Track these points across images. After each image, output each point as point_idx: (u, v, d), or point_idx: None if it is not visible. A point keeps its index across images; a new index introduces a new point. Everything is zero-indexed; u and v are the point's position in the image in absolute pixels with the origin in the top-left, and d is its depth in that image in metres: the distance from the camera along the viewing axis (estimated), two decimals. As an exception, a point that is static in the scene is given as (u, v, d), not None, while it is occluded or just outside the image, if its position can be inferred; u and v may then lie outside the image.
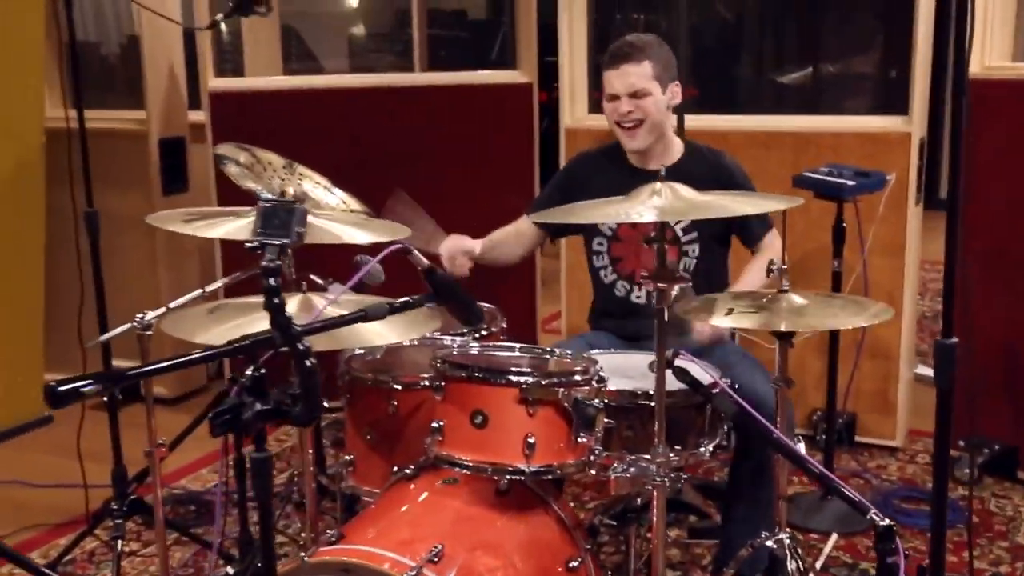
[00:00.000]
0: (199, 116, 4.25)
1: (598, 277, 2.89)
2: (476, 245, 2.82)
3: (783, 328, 2.13)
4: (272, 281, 1.48)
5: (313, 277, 2.73)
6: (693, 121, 3.66)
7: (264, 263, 1.48)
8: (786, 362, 2.22)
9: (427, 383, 2.45)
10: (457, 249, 2.79)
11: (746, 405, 2.03)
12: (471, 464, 2.13)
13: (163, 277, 4.35)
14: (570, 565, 2.23)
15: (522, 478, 2.16)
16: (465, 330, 2.59)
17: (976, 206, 3.42)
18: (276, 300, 1.49)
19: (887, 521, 1.92)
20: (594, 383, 2.13)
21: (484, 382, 2.11)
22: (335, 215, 2.37)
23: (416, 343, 2.68)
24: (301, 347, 1.51)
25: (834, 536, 3.13)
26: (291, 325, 1.50)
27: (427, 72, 4.75)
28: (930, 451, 3.72)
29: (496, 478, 2.23)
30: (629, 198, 2.04)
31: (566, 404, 2.09)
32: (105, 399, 4.11)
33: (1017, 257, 3.42)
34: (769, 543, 2.29)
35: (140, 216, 4.16)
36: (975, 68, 3.49)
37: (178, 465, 3.73)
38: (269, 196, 1.50)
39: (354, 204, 3.06)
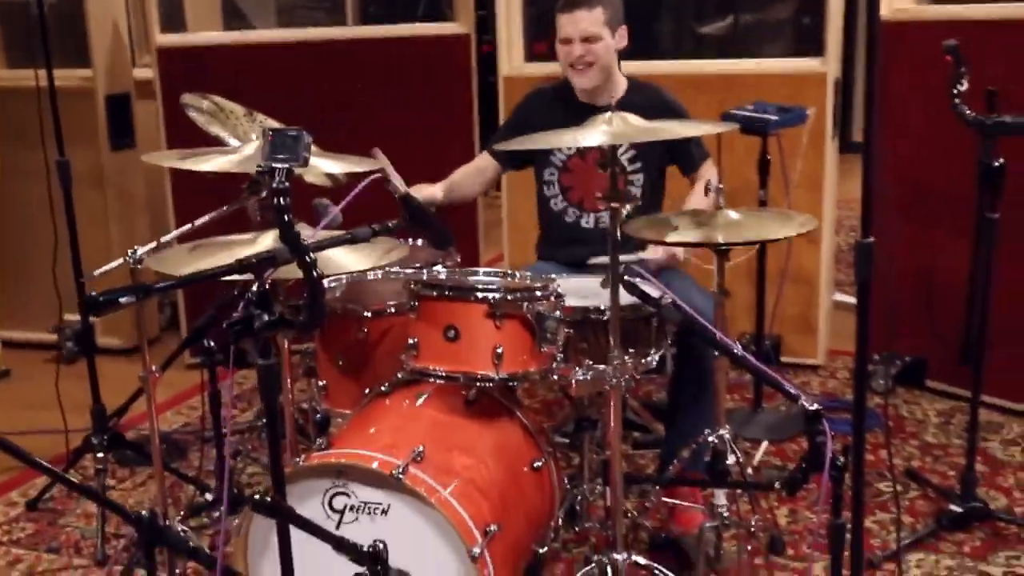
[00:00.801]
0: (142, 72, 4.36)
1: (548, 206, 3.11)
2: (438, 190, 3.02)
3: (721, 240, 2.37)
4: (283, 201, 1.66)
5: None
6: (626, 67, 3.87)
7: (275, 184, 1.67)
8: (723, 275, 2.47)
9: (394, 310, 2.66)
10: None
11: (691, 311, 2.26)
12: (445, 374, 2.35)
13: (114, 232, 4.46)
14: (535, 465, 2.48)
15: (490, 385, 2.38)
16: (419, 265, 2.81)
17: (889, 141, 3.73)
18: (287, 218, 1.68)
19: (816, 406, 2.19)
20: (553, 298, 2.35)
21: (456, 299, 2.33)
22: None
23: (379, 276, 2.90)
24: (309, 259, 1.71)
25: (765, 443, 3.42)
26: (300, 240, 1.70)
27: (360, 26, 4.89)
28: (848, 367, 4.05)
29: (465, 390, 2.46)
30: (583, 127, 2.25)
31: (530, 317, 2.31)
32: (64, 352, 4.30)
33: (927, 185, 3.72)
34: (712, 439, 2.56)
35: (89, 172, 4.33)
36: (885, 11, 3.77)
37: (143, 408, 3.88)
38: (275, 128, 1.67)
39: (314, 149, 3.23)
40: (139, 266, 2.34)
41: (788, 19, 6.01)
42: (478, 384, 2.37)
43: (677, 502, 2.77)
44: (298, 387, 3.91)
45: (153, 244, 2.35)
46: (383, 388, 2.55)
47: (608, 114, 2.23)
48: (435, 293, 2.34)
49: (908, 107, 3.72)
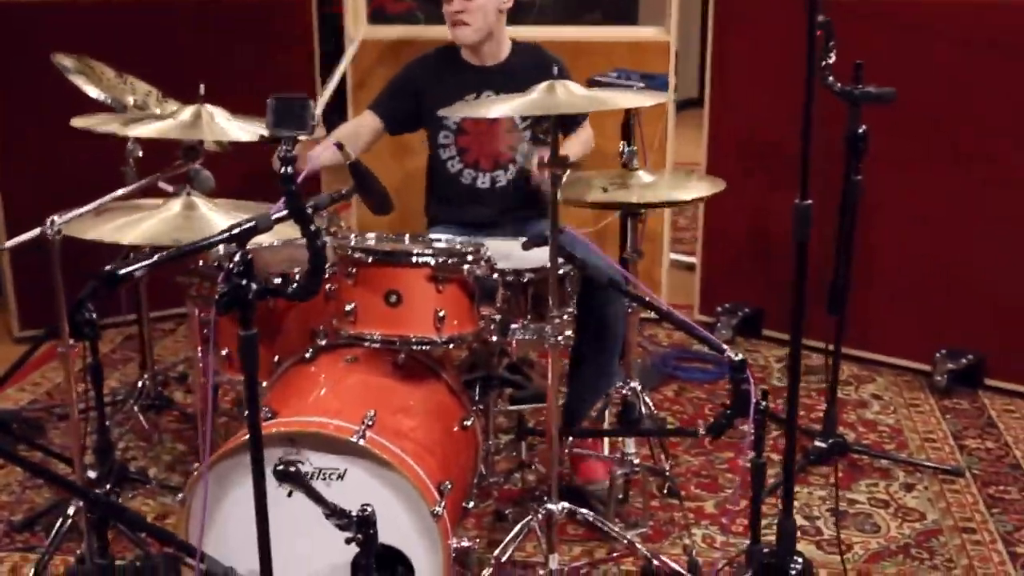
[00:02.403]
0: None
1: (444, 168, 3.15)
2: (349, 151, 2.99)
3: (645, 200, 2.51)
4: (289, 170, 1.65)
5: (162, 185, 2.84)
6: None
7: (281, 153, 1.65)
8: (637, 236, 2.62)
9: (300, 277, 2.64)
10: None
11: (621, 270, 2.39)
12: (382, 338, 2.37)
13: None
14: (464, 424, 2.55)
15: (428, 348, 2.42)
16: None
17: (729, 102, 3.99)
18: (293, 187, 1.66)
19: (740, 356, 2.38)
20: (488, 262, 2.42)
21: (398, 264, 2.35)
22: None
23: (277, 244, 2.86)
24: (313, 227, 1.71)
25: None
26: (305, 209, 1.69)
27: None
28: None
29: (394, 354, 2.49)
30: (527, 94, 2.32)
31: (470, 280, 2.37)
32: None
33: (763, 143, 4.00)
34: (625, 391, 2.71)
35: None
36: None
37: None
38: (279, 94, 1.65)
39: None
40: (58, 236, 2.23)
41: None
42: (421, 347, 2.40)
43: (584, 452, 2.91)
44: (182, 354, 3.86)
45: (74, 212, 2.23)
46: (306, 355, 2.54)
47: (551, 82, 2.30)
48: (375, 259, 2.35)
49: (747, 70, 3.98)
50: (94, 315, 2.83)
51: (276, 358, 2.64)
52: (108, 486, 2.88)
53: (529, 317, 2.50)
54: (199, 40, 4.13)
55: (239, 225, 1.81)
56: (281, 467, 1.70)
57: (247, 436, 2.18)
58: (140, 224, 2.38)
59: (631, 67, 3.91)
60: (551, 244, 2.32)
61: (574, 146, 3.14)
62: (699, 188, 2.68)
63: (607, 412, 2.86)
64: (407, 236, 2.55)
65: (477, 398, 2.73)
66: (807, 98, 2.07)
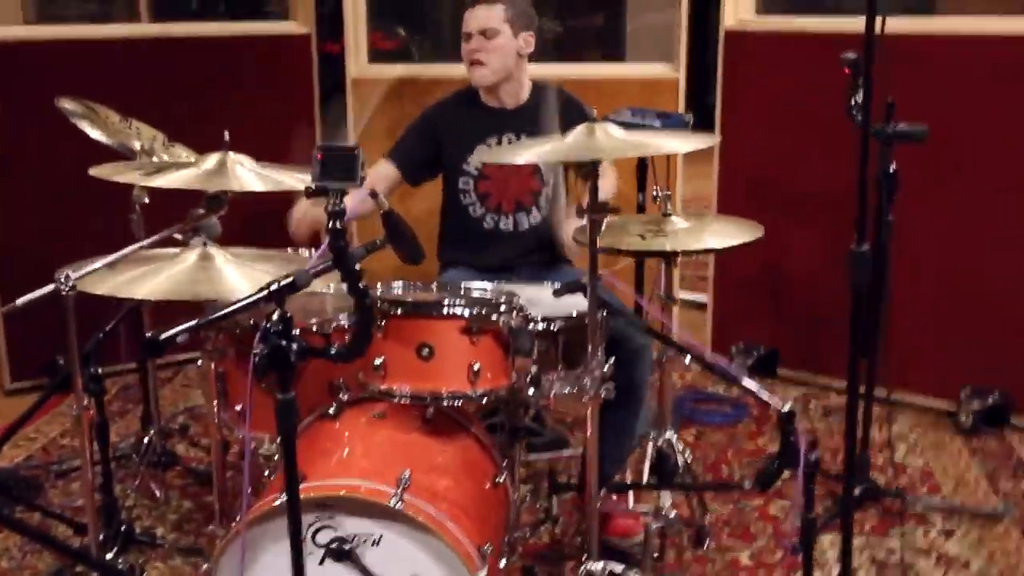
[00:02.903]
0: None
1: (465, 213, 3.06)
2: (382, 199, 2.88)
3: (689, 248, 2.42)
4: (339, 224, 1.54)
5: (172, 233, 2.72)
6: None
7: (330, 208, 1.55)
8: (671, 281, 2.53)
9: (317, 329, 2.52)
10: (311, 212, 2.83)
11: (662, 318, 2.29)
12: (413, 393, 2.25)
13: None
14: (496, 481, 2.43)
15: (459, 403, 2.31)
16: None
17: (739, 140, 3.92)
18: (342, 243, 1.56)
19: (788, 407, 2.28)
20: (521, 312, 2.31)
21: (430, 316, 2.24)
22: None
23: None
24: (362, 286, 1.60)
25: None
26: (355, 266, 1.58)
27: (155, 23, 4.56)
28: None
29: (422, 408, 2.38)
30: (564, 138, 2.23)
31: (505, 331, 2.26)
32: None
33: (774, 180, 3.93)
34: (660, 441, 2.60)
35: None
36: (730, 22, 3.96)
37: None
38: (324, 143, 1.54)
39: (193, 157, 3.03)
40: (72, 292, 2.11)
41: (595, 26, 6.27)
42: (454, 403, 2.29)
43: (616, 506, 2.79)
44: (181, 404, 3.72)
45: (88, 268, 2.11)
46: (330, 411, 2.42)
47: (588, 124, 2.22)
48: (406, 310, 2.25)
49: (759, 108, 3.92)
50: (99, 370, 2.75)
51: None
52: (115, 549, 2.76)
53: (560, 368, 2.40)
54: (199, 79, 4.03)
55: (277, 282, 1.70)
56: (335, 545, 1.58)
57: (276, 501, 2.08)
58: (155, 276, 2.25)
59: (639, 105, 3.84)
60: (590, 292, 2.22)
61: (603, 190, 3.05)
62: (739, 233, 2.59)
63: (645, 464, 2.74)
64: (434, 285, 2.45)
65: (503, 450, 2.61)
66: (863, 141, 1.98)
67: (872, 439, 3.50)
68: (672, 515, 2.63)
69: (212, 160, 2.13)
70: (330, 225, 1.56)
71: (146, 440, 3.09)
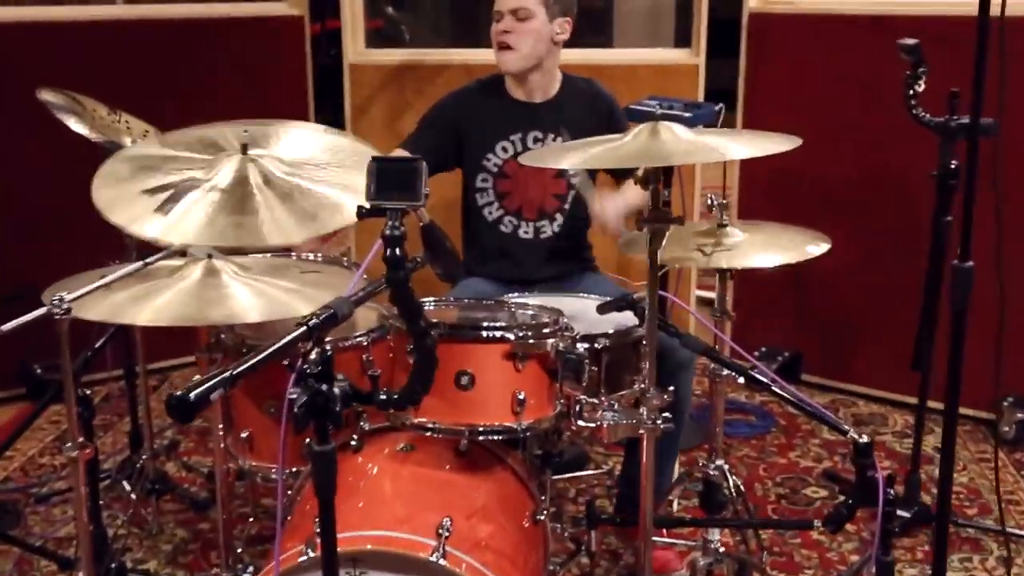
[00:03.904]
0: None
1: (481, 215, 2.80)
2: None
3: (749, 265, 2.19)
4: (398, 252, 1.29)
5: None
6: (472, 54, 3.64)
7: (387, 231, 1.29)
8: (726, 295, 2.29)
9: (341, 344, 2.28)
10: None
11: (726, 338, 2.06)
12: (456, 429, 2.01)
13: None
14: (537, 519, 2.19)
15: (501, 437, 2.07)
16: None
17: (763, 122, 3.67)
18: (402, 273, 1.30)
19: (865, 438, 2.05)
20: (567, 332, 2.07)
21: (469, 340, 1.98)
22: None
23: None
24: (423, 323, 1.35)
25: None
26: (415, 300, 1.33)
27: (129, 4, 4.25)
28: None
29: (455, 440, 2.13)
30: (623, 138, 1.98)
31: (553, 355, 2.01)
32: None
33: (797, 179, 3.70)
34: (710, 470, 2.37)
35: None
36: (754, 3, 3.72)
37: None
38: (377, 154, 1.29)
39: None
40: (67, 316, 1.84)
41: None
42: (495, 437, 2.04)
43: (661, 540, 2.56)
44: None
45: (85, 289, 1.84)
46: (351, 443, 2.16)
47: (650, 124, 1.96)
48: (442, 334, 1.98)
49: (782, 103, 3.69)
50: (88, 392, 2.48)
51: (307, 440, 2.26)
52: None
53: (603, 391, 2.16)
54: (181, 65, 3.75)
55: (315, 316, 1.44)
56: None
57: (301, 557, 1.83)
58: (157, 297, 1.98)
59: (655, 92, 3.59)
60: (650, 311, 1.97)
61: (634, 192, 2.80)
62: (805, 245, 2.35)
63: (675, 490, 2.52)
64: (467, 301, 2.19)
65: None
66: (971, 144, 1.74)
67: (908, 451, 3.32)
68: (721, 549, 2.39)
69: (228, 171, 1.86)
70: (388, 253, 1.30)
71: (138, 464, 2.81)
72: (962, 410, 3.50)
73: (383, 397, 1.43)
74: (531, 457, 2.43)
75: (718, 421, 2.41)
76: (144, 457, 2.82)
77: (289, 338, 1.39)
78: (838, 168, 3.63)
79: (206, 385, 1.18)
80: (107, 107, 2.62)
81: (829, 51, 3.61)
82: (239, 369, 1.27)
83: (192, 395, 1.15)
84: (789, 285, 3.84)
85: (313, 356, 1.43)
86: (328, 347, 1.44)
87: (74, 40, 3.62)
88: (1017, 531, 2.88)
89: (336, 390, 1.42)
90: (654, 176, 1.94)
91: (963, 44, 3.21)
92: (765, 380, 2.12)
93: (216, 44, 3.81)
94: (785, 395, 2.09)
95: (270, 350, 1.34)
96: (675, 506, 2.76)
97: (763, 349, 3.86)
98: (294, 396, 1.42)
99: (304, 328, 1.41)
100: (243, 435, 2.37)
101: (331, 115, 4.08)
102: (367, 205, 1.32)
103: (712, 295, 4.36)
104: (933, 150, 2.64)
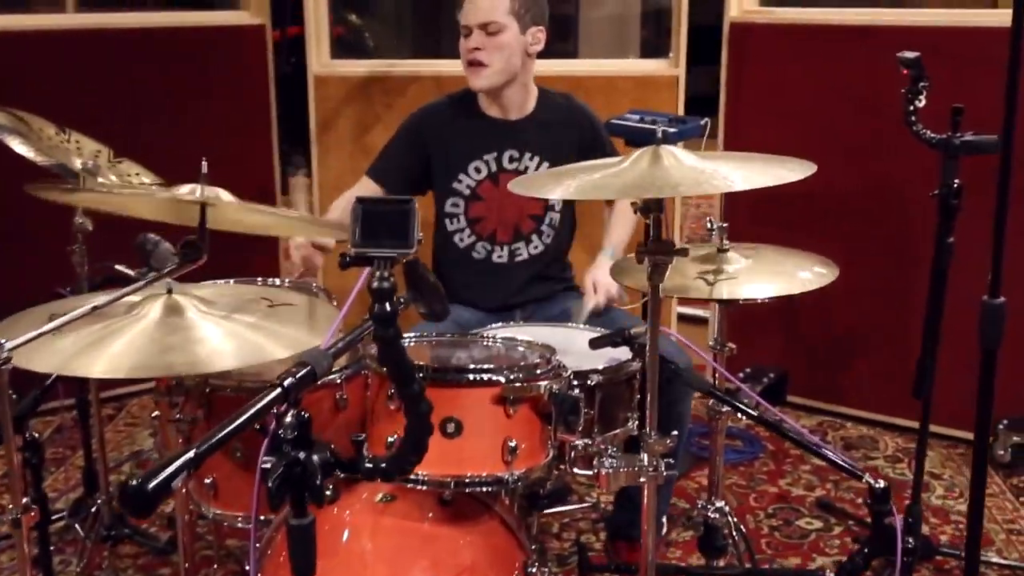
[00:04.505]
0: None
1: (451, 242, 2.64)
2: (330, 240, 2.44)
3: (755, 296, 2.05)
4: (387, 307, 1.12)
5: (120, 267, 2.28)
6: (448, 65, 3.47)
7: (376, 284, 1.12)
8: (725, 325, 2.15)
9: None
10: (307, 245, 2.39)
11: (723, 370, 1.91)
12: (442, 480, 1.84)
13: None
14: (529, 571, 2.02)
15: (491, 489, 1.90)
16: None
17: (744, 141, 3.55)
18: (392, 331, 1.14)
19: (882, 484, 1.92)
20: (561, 371, 1.91)
21: (455, 384, 1.82)
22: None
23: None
24: (416, 387, 1.18)
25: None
26: (408, 360, 1.17)
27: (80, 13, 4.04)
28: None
29: (439, 490, 1.96)
30: (622, 164, 1.82)
31: (547, 399, 1.86)
32: None
33: (781, 197, 3.54)
34: (710, 512, 2.23)
35: None
36: (735, 13, 3.59)
37: None
38: (365, 195, 1.13)
39: (145, 176, 2.57)
40: (7, 366, 1.66)
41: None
42: (485, 489, 1.88)
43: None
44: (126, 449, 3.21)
45: (28, 336, 1.66)
46: (327, 492, 1.98)
47: (651, 148, 1.81)
48: (426, 378, 1.82)
49: (765, 117, 3.56)
50: (37, 436, 2.29)
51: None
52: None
53: (596, 429, 2.01)
54: (140, 75, 3.56)
55: (291, 375, 1.27)
56: None
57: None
58: (112, 342, 1.79)
59: (634, 105, 3.45)
60: (650, 350, 1.82)
61: (622, 227, 2.67)
62: (812, 269, 2.22)
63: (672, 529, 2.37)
64: (448, 337, 2.03)
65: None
66: (1002, 168, 1.61)
67: (904, 480, 3.19)
68: (722, 596, 2.25)
69: (188, 186, 1.69)
70: (376, 309, 1.14)
71: (93, 509, 2.61)
72: (958, 433, 3.42)
73: (370, 465, 1.27)
74: (519, 500, 2.28)
75: (718, 459, 2.27)
76: (100, 500, 2.61)
77: (263, 403, 1.22)
78: (823, 181, 3.49)
79: (165, 473, 1.01)
80: (56, 126, 2.43)
81: (811, 61, 3.49)
82: (203, 447, 1.10)
83: (150, 486, 0.98)
84: (775, 303, 3.70)
85: (289, 419, 1.26)
86: (305, 412, 1.27)
87: (19, 52, 3.41)
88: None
89: (315, 458, 1.25)
90: (655, 204, 1.78)
91: (952, 56, 3.14)
92: (773, 422, 1.98)
93: (175, 56, 3.62)
94: (799, 439, 1.95)
95: (240, 420, 1.17)
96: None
97: (748, 370, 3.72)
98: (267, 466, 1.26)
99: (279, 390, 1.24)
100: (207, 480, 2.18)
101: (293, 127, 3.90)
102: (352, 253, 1.15)
103: (694, 312, 4.31)
104: (921, 162, 2.54)
